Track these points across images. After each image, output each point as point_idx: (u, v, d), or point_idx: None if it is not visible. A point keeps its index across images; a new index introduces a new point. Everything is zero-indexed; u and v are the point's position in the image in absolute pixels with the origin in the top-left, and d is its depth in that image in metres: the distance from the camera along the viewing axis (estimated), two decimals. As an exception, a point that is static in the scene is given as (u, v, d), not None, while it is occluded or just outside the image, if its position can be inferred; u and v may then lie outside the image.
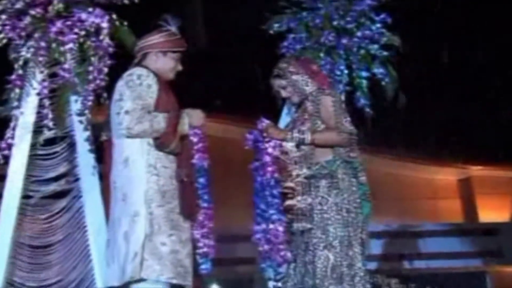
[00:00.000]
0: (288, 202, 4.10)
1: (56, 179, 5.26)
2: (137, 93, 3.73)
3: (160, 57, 3.94)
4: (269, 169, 4.16)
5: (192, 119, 3.90)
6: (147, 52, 3.97)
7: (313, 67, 4.39)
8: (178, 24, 4.07)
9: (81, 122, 5.12)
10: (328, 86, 4.35)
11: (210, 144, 3.99)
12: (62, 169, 5.26)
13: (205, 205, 3.93)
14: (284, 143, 4.16)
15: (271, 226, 4.13)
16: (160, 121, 3.72)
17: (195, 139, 3.92)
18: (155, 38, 3.97)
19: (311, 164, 4.13)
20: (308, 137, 4.11)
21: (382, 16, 5.72)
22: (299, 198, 4.10)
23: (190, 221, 3.83)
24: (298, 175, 4.11)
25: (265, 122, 4.28)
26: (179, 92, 3.99)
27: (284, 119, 5.49)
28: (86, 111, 5.04)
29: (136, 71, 3.84)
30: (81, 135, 5.20)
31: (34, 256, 5.20)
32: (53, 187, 5.25)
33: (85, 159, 5.23)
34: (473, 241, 12.39)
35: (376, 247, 10.97)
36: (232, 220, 8.95)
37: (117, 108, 3.77)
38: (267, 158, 4.17)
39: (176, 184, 3.78)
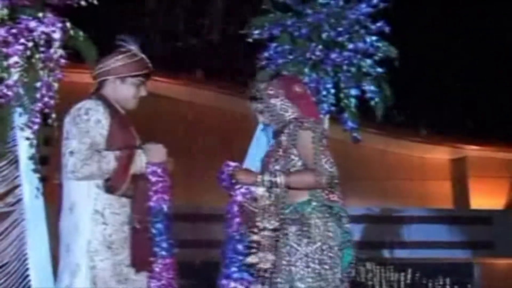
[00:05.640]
0: (249, 260, 4.05)
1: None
2: (84, 131, 3.74)
3: (118, 84, 3.92)
4: (236, 220, 4.14)
5: (151, 156, 3.86)
6: (104, 79, 3.92)
7: (296, 88, 4.24)
8: (138, 42, 3.99)
9: (27, 138, 4.96)
10: (312, 113, 4.24)
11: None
12: (1, 189, 5.15)
13: (163, 253, 3.91)
14: (254, 188, 4.11)
15: (232, 284, 4.14)
16: (110, 160, 3.72)
17: (153, 179, 3.88)
18: (111, 62, 3.93)
19: (282, 208, 4.08)
20: (281, 180, 4.03)
21: (379, 24, 5.60)
22: (261, 255, 4.01)
23: (145, 272, 3.83)
24: (264, 228, 4.04)
25: (231, 167, 4.22)
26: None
27: (259, 137, 5.42)
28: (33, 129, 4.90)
29: (85, 104, 3.83)
30: (25, 152, 5.07)
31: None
32: (-11, 210, 5.15)
33: (29, 179, 5.10)
34: (462, 230, 12.57)
35: (355, 233, 11.05)
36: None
37: (63, 148, 3.79)
38: (235, 208, 4.15)
39: (128, 232, 3.79)
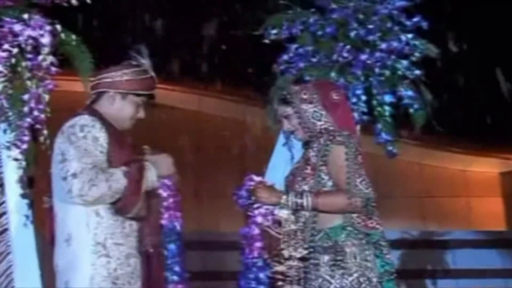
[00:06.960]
0: None
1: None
2: (82, 148, 3.68)
3: (117, 99, 3.87)
4: (257, 245, 4.12)
5: (160, 168, 3.83)
6: (103, 91, 3.89)
7: (333, 95, 4.21)
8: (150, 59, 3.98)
9: (15, 159, 4.91)
10: (347, 124, 4.17)
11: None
12: (-17, 217, 5.11)
13: (174, 278, 3.89)
14: (277, 210, 4.05)
15: None
16: (119, 178, 3.66)
17: (164, 193, 3.86)
18: (116, 75, 3.90)
19: (312, 235, 4.03)
20: (309, 201, 3.97)
21: (416, 19, 5.45)
22: None
23: None
24: (290, 257, 4.00)
25: (253, 181, 4.19)
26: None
27: (280, 152, 5.36)
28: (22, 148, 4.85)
29: (79, 120, 3.79)
30: (11, 175, 5.03)
31: None
32: (-29, 242, 5.11)
33: (16, 205, 5.05)
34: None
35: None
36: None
37: (61, 171, 3.71)
38: (255, 231, 4.12)
39: (133, 265, 3.73)
